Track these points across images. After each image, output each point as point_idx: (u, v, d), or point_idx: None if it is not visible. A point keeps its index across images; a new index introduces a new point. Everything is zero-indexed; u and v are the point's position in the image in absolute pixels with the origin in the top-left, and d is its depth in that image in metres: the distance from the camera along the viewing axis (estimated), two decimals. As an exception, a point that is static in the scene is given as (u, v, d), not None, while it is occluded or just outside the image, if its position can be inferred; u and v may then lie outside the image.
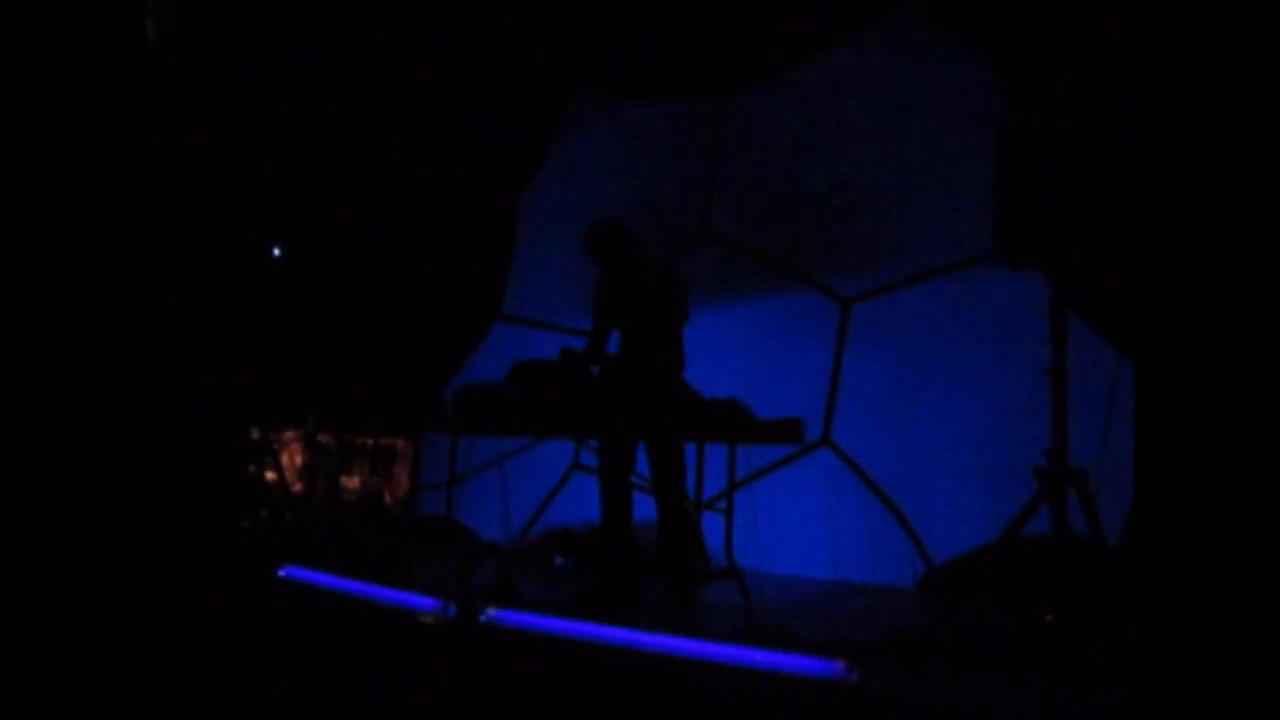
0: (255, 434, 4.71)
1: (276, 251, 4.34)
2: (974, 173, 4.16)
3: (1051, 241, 3.81)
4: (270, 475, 4.78)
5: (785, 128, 4.68)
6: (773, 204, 4.71)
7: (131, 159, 1.56)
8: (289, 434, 5.30)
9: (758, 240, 4.74)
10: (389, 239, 5.64)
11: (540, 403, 3.07)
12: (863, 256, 4.45)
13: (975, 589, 3.95)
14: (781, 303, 4.66)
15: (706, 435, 3.00)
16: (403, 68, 5.48)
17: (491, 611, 2.65)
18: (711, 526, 4.42)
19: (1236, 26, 1.39)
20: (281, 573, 3.42)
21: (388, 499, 6.11)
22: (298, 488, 5.50)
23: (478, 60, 5.50)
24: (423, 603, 2.78)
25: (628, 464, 3.56)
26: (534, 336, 5.57)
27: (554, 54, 5.30)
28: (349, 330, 5.41)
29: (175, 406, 3.60)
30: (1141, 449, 1.44)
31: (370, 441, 6.02)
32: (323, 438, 5.61)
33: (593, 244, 3.74)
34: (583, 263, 5.38)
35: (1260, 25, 1.37)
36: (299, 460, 5.66)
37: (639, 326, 3.60)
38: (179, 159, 3.98)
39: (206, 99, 4.30)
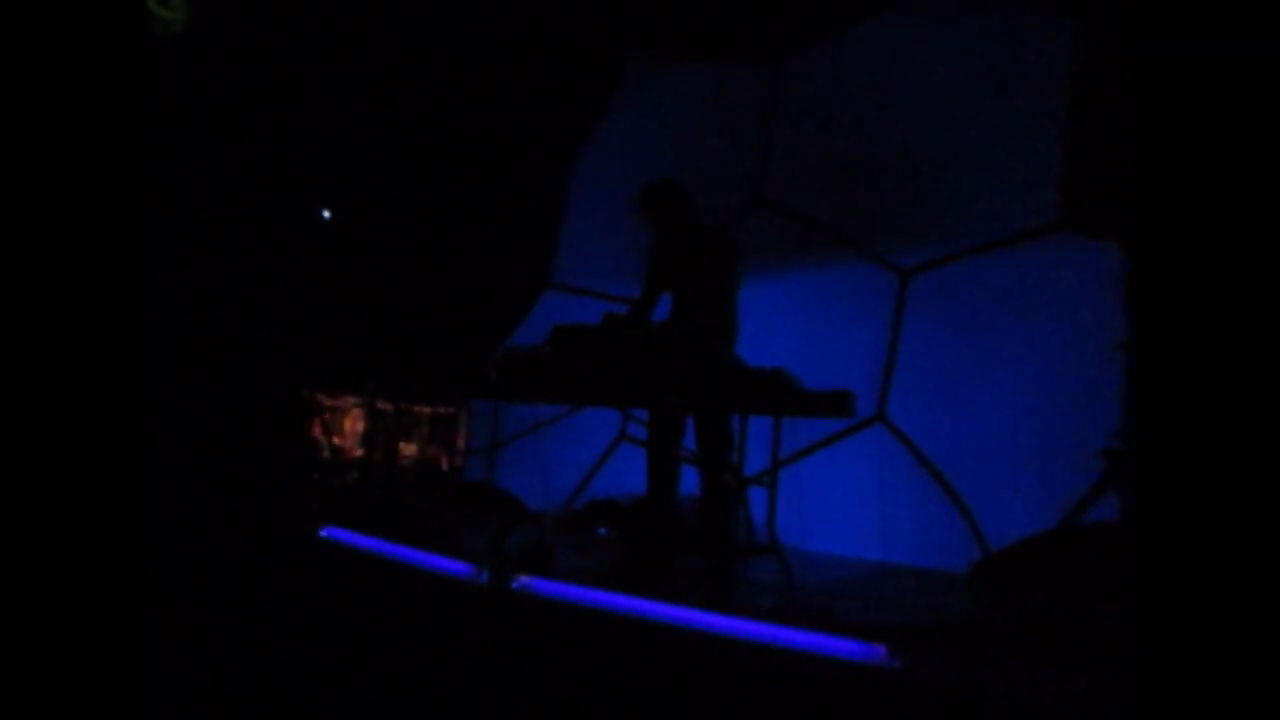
0: (307, 397, 4.77)
1: (326, 214, 4.33)
2: (1039, 143, 3.93)
3: (1127, 210, 3.58)
4: (324, 438, 4.84)
5: (842, 90, 4.48)
6: (829, 170, 4.53)
7: (131, 128, 1.54)
8: (350, 400, 5.35)
9: (812, 208, 4.57)
10: (443, 206, 5.62)
11: (579, 369, 2.99)
12: (921, 226, 4.25)
13: (1032, 577, 3.78)
14: (836, 273, 4.49)
15: (751, 406, 2.89)
16: (456, 36, 5.42)
17: (524, 579, 2.60)
18: (756, 501, 4.32)
19: (1237, 26, 1.38)
20: (323, 533, 3.44)
21: (445, 466, 6.17)
22: (358, 453, 5.59)
23: (529, 25, 5.41)
24: (456, 567, 2.75)
25: (677, 434, 3.47)
26: (583, 304, 5.51)
27: (604, 17, 5.17)
28: (405, 298, 5.43)
29: (212, 370, 3.63)
30: (1143, 442, 1.44)
31: (428, 410, 6.08)
32: (384, 405, 5.69)
33: (644, 203, 3.64)
34: (632, 230, 5.31)
35: (1260, 25, 1.36)
36: (360, 426, 5.75)
37: (689, 290, 3.49)
38: (225, 116, 3.99)
39: (259, 58, 4.31)
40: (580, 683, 2.26)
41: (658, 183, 3.62)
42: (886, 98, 4.32)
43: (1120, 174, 3.52)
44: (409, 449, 6.05)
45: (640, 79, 5.21)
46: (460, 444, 6.60)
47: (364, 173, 5.15)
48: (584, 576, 2.68)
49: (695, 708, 2.18)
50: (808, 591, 2.92)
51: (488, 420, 5.30)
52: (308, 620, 2.54)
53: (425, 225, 5.56)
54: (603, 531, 4.70)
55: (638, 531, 3.40)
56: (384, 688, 2.01)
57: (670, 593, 2.74)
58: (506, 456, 5.68)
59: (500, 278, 5.73)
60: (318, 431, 4.83)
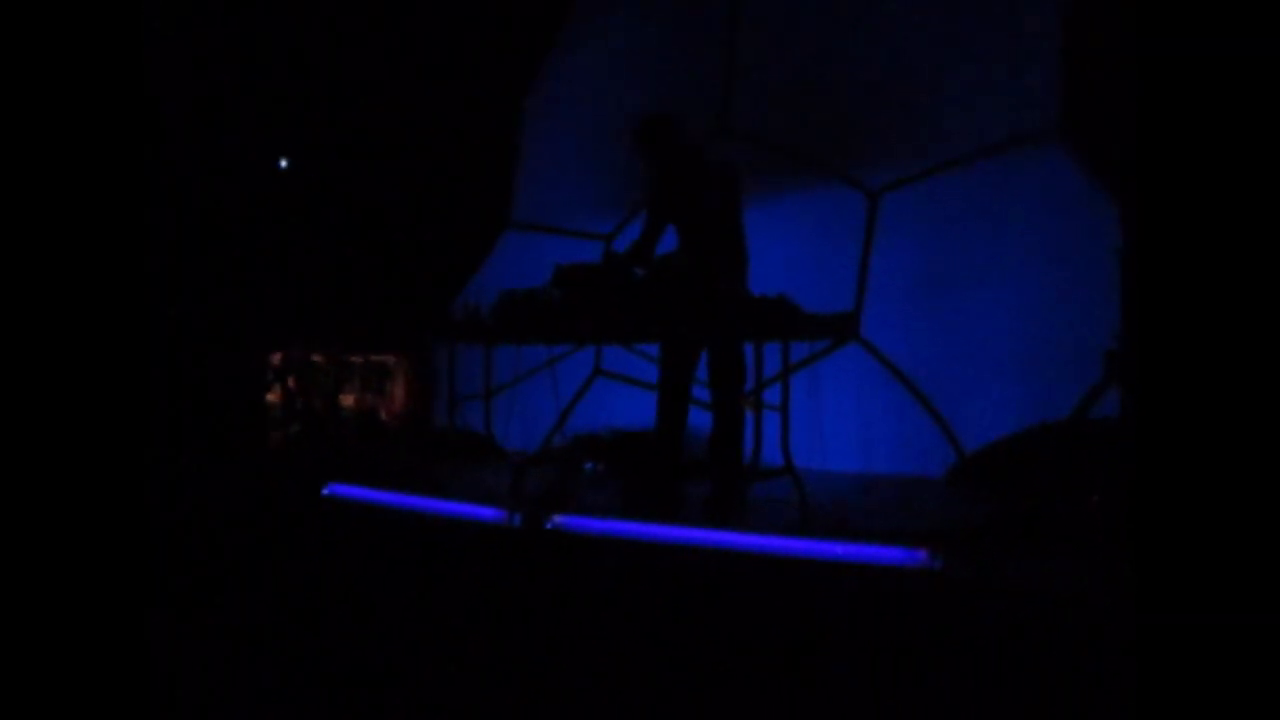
0: (278, 355, 4.63)
1: (283, 163, 4.13)
2: (1003, 56, 4.02)
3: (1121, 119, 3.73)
4: (297, 394, 4.72)
5: (805, 11, 4.45)
6: (793, 94, 4.53)
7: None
8: (307, 355, 5.22)
9: (779, 132, 4.58)
10: (390, 149, 5.42)
11: (587, 308, 2.99)
12: (889, 145, 4.32)
13: (1006, 477, 4.02)
14: (806, 196, 4.54)
15: (761, 333, 2.95)
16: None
17: (557, 518, 2.64)
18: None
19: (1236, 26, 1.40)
20: (326, 491, 3.40)
21: (384, 415, 6.09)
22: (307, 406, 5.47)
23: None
24: (485, 513, 2.77)
25: (691, 367, 3.49)
26: (546, 241, 5.45)
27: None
28: (360, 247, 5.26)
29: (186, 325, 3.48)
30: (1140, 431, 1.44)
31: (360, 359, 5.95)
32: (318, 357, 5.55)
33: (639, 139, 3.53)
34: (596, 162, 5.25)
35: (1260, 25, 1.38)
36: (305, 380, 5.61)
37: (694, 223, 3.45)
38: (170, 68, 3.74)
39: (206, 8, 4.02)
40: (628, 615, 2.33)
41: (651, 117, 3.51)
42: (853, 16, 4.32)
43: (1110, 97, 3.68)
44: (346, 400, 5.96)
45: (592, 5, 5.06)
46: (399, 392, 6.53)
47: (313, 119, 4.91)
48: (607, 511, 2.74)
49: (747, 628, 2.27)
50: (824, 508, 3.04)
51: (465, 367, 5.24)
52: (338, 583, 2.53)
53: (377, 171, 5.37)
54: (589, 466, 4.77)
55: (649, 463, 3.45)
56: (432, 641, 2.03)
57: (706, 518, 2.83)
58: (477, 402, 5.66)
59: (459, 219, 5.60)
60: (288, 387, 4.70)
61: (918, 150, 4.27)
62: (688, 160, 3.45)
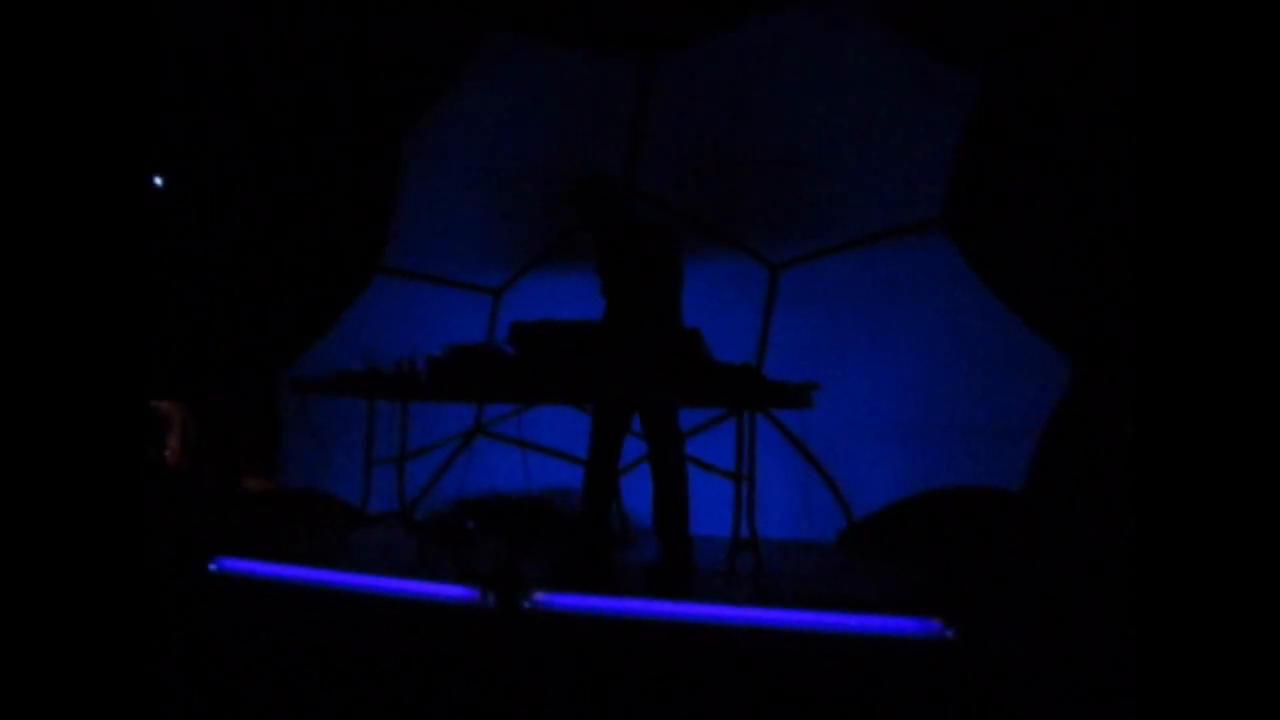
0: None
1: (158, 181, 3.56)
2: (905, 146, 4.40)
3: (1004, 218, 4.17)
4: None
5: (716, 88, 4.62)
6: (701, 165, 4.65)
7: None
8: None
9: (685, 202, 4.67)
10: (264, 177, 4.89)
11: (544, 367, 2.82)
12: (791, 222, 4.54)
13: (898, 540, 4.26)
14: (709, 266, 4.63)
15: (728, 399, 2.93)
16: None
17: (538, 596, 2.41)
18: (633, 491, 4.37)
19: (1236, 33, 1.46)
20: (214, 566, 2.89)
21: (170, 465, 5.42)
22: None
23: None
24: (453, 592, 2.47)
25: (622, 433, 3.39)
26: (425, 291, 5.12)
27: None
28: (220, 277, 4.65)
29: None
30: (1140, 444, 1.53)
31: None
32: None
33: (575, 201, 3.42)
34: (486, 212, 5.04)
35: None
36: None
37: (630, 288, 3.36)
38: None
39: None
40: (619, 697, 2.17)
41: (589, 179, 3.43)
42: (759, 98, 4.53)
43: (996, 192, 4.11)
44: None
45: (499, 55, 4.92)
46: (175, 443, 5.81)
47: (178, 139, 4.31)
48: (600, 586, 2.55)
49: (753, 706, 2.20)
50: (780, 576, 3.03)
51: (327, 421, 4.75)
52: (270, 681, 2.14)
53: (244, 197, 4.81)
54: (470, 524, 4.44)
55: (581, 533, 3.28)
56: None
57: (663, 589, 2.72)
58: (311, 456, 5.14)
59: (326, 258, 5.13)
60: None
61: (813, 228, 4.52)
62: (622, 225, 3.40)
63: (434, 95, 5.04)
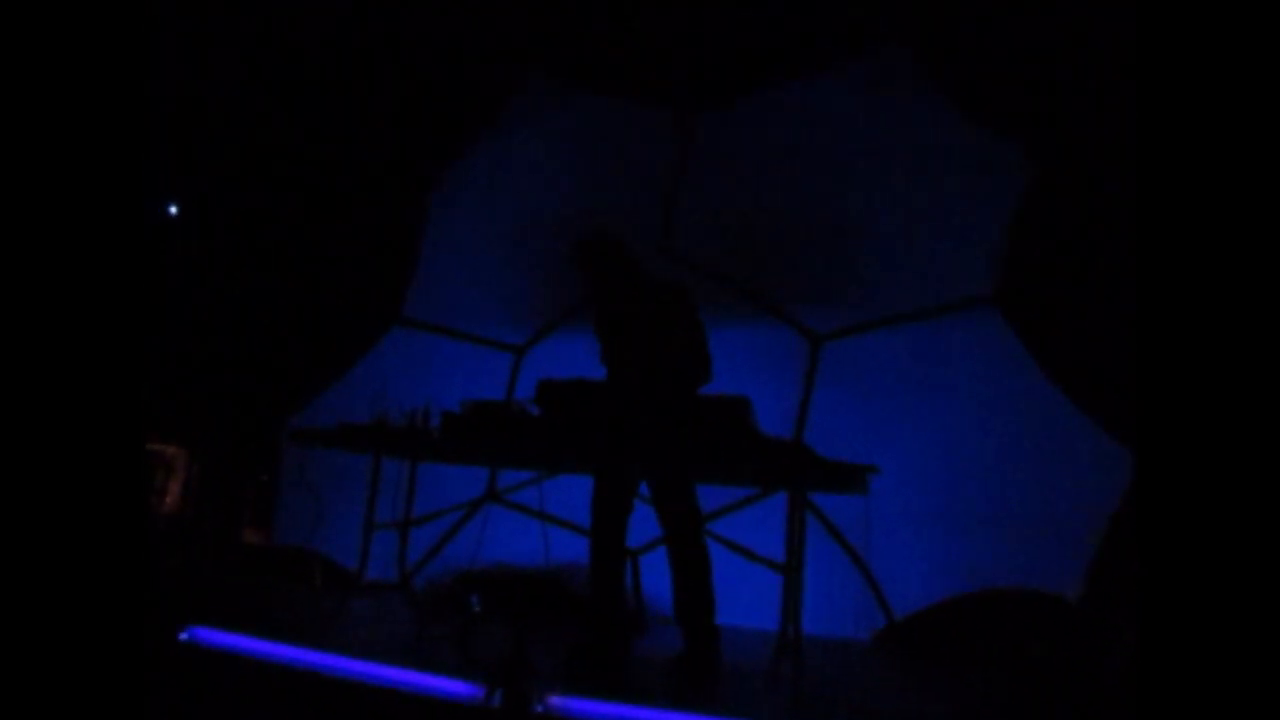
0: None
1: (173, 209, 3.36)
2: (953, 218, 4.17)
3: (1062, 298, 3.89)
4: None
5: (759, 148, 4.43)
6: (740, 228, 4.43)
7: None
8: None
9: (721, 265, 4.43)
10: (287, 222, 4.72)
11: (578, 432, 2.52)
12: (835, 292, 4.29)
13: (940, 646, 3.87)
14: (745, 334, 4.37)
15: (769, 479, 2.61)
16: (320, 34, 4.61)
17: (553, 700, 2.06)
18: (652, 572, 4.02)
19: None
20: (185, 636, 2.55)
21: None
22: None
23: (415, 36, 4.76)
24: (453, 687, 2.12)
25: (628, 509, 3.08)
26: (442, 345, 4.87)
27: (503, 33, 4.70)
28: (234, 320, 4.42)
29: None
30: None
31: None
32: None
33: (579, 261, 3.18)
34: (509, 268, 4.82)
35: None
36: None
37: (641, 348, 3.11)
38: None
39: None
40: None
41: (594, 237, 3.20)
42: (804, 162, 4.33)
43: (1055, 270, 3.85)
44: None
45: (533, 102, 4.78)
46: (175, 489, 5.51)
47: (202, 172, 4.14)
48: (627, 692, 2.20)
49: None
50: (821, 685, 2.67)
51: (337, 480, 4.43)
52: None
53: (262, 239, 4.62)
54: (475, 601, 4.08)
55: (591, 620, 2.94)
56: None
57: (692, 693, 2.36)
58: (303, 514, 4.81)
59: (343, 307, 4.90)
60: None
61: (858, 299, 4.26)
62: (632, 281, 3.14)
63: (465, 142, 4.88)
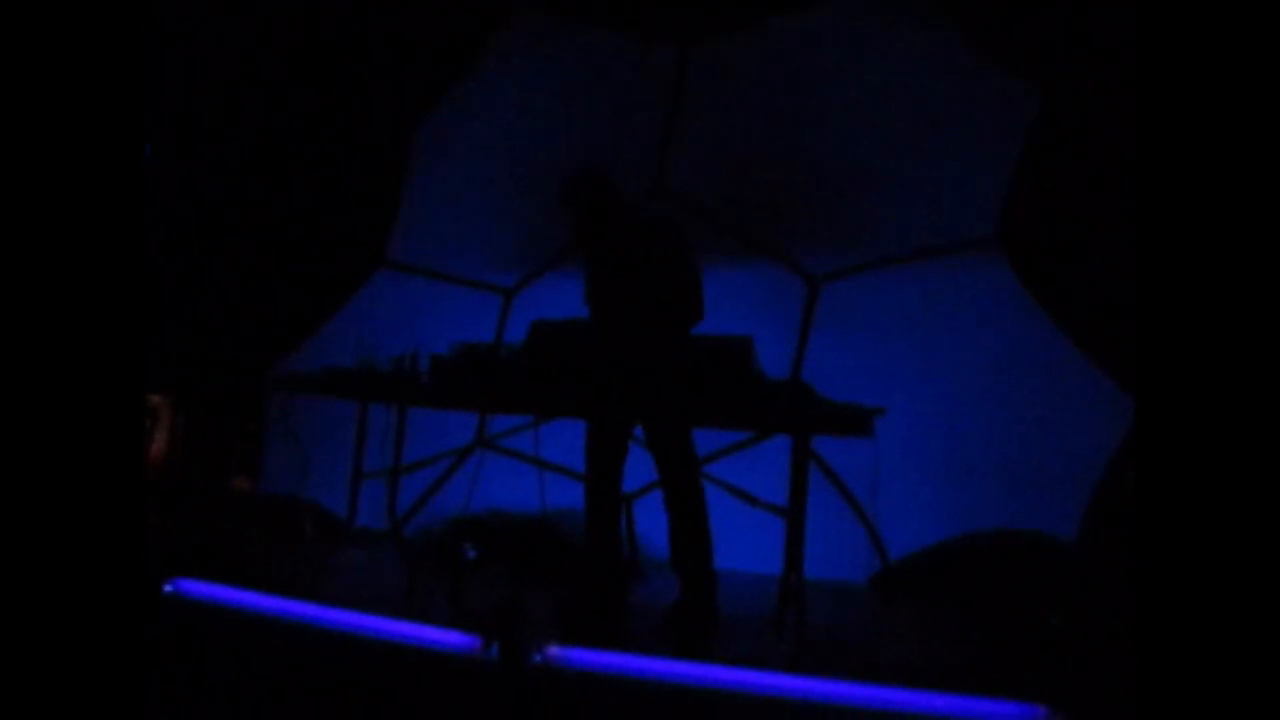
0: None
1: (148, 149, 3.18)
2: (958, 157, 4.03)
3: (1068, 241, 3.78)
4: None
5: (757, 83, 4.25)
6: (737, 166, 4.28)
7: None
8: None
9: (718, 204, 4.29)
10: (249, 161, 4.54)
11: (566, 374, 2.42)
12: (833, 231, 4.17)
13: (931, 587, 3.86)
14: (740, 275, 4.25)
15: (773, 422, 2.53)
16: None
17: (552, 650, 2.00)
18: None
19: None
20: (169, 588, 2.48)
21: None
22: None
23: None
24: (448, 638, 2.06)
25: (622, 454, 3.02)
26: (431, 289, 4.73)
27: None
28: (209, 267, 4.26)
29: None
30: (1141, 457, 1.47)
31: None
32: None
33: (568, 200, 3.05)
34: (500, 207, 4.66)
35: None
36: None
37: (630, 287, 2.99)
38: None
39: None
40: None
41: (582, 175, 3.07)
42: (803, 97, 4.16)
43: (1059, 214, 3.74)
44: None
45: (523, 38, 4.56)
46: (161, 439, 5.42)
47: (176, 114, 3.93)
48: (628, 641, 2.14)
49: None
50: (825, 631, 2.62)
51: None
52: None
53: (240, 182, 4.43)
54: (472, 554, 4.03)
55: (589, 569, 2.88)
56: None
57: (680, 638, 2.31)
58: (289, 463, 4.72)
59: (326, 250, 4.74)
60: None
61: (858, 239, 4.14)
62: (621, 219, 3.02)
63: (451, 79, 4.67)
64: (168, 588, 2.48)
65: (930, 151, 4.02)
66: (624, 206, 3.11)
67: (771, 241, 4.22)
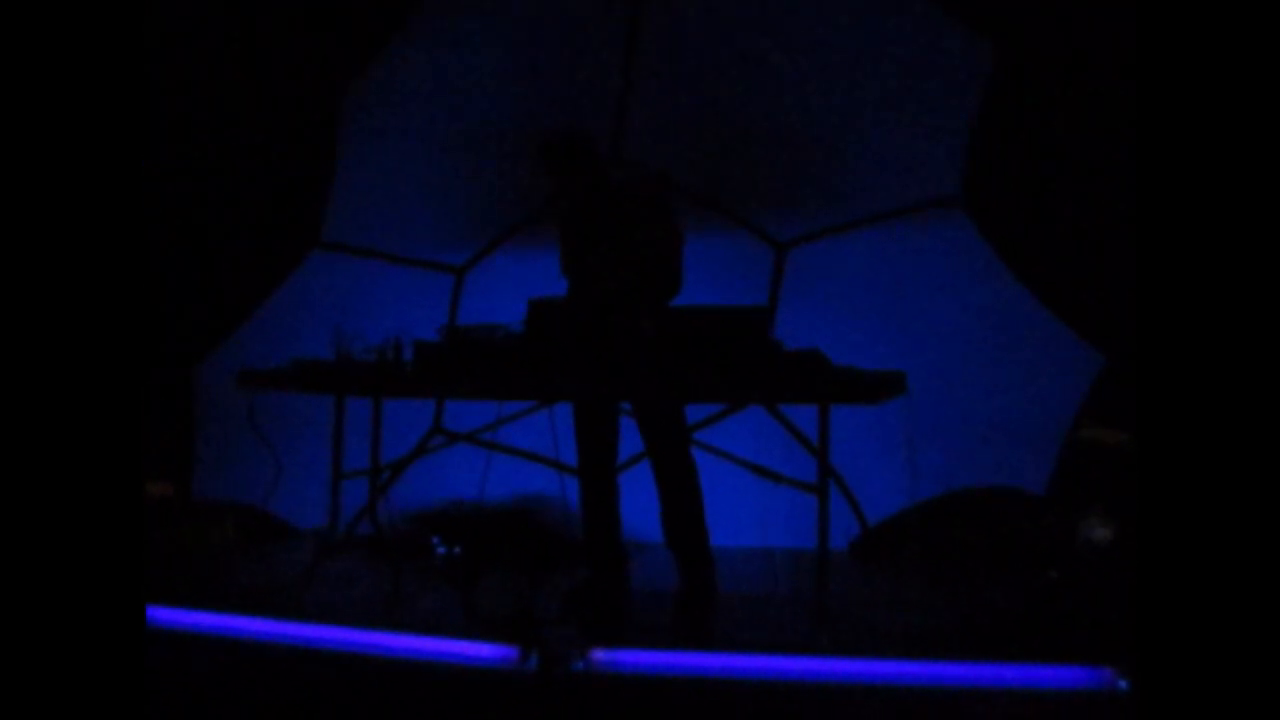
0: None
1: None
2: (920, 118, 3.99)
3: (1031, 197, 3.79)
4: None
5: (712, 43, 4.09)
6: (695, 131, 4.13)
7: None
8: None
9: (677, 171, 4.12)
10: (187, 138, 4.12)
11: (565, 355, 2.24)
12: (796, 196, 4.08)
13: (913, 549, 3.87)
14: (705, 244, 4.10)
15: (789, 394, 2.43)
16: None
17: (596, 655, 1.85)
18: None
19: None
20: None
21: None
22: None
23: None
24: (478, 652, 1.87)
25: (614, 433, 2.87)
26: (371, 269, 4.41)
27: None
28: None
29: None
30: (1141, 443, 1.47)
31: None
32: None
33: (549, 162, 2.86)
34: (442, 180, 4.37)
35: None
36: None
37: (610, 257, 2.82)
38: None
39: None
40: None
41: (565, 134, 2.88)
42: (765, 54, 4.03)
43: (1016, 171, 3.75)
44: None
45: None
46: None
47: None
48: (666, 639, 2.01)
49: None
50: (848, 606, 2.56)
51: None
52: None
53: (151, 157, 3.98)
54: (442, 550, 3.80)
55: (591, 563, 2.73)
56: None
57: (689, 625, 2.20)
58: (233, 462, 4.37)
59: (252, 232, 4.36)
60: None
61: (821, 203, 4.07)
62: (602, 183, 2.87)
63: (381, 38, 4.33)
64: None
65: (892, 113, 3.97)
66: (603, 169, 2.93)
67: (735, 208, 4.10)
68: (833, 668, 1.83)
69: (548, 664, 1.82)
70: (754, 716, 1.73)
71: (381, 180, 4.40)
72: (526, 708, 1.79)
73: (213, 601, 2.28)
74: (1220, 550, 1.28)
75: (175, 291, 4.29)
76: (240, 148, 4.33)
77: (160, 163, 3.97)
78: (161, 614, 2.21)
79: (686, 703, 1.79)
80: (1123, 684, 1.81)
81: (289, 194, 4.41)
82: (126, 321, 1.43)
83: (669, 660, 1.85)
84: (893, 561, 3.80)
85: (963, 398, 3.92)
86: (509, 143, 4.19)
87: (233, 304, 4.42)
